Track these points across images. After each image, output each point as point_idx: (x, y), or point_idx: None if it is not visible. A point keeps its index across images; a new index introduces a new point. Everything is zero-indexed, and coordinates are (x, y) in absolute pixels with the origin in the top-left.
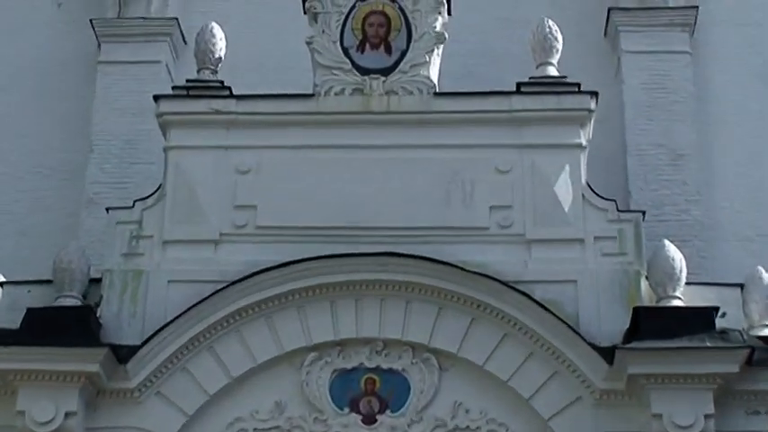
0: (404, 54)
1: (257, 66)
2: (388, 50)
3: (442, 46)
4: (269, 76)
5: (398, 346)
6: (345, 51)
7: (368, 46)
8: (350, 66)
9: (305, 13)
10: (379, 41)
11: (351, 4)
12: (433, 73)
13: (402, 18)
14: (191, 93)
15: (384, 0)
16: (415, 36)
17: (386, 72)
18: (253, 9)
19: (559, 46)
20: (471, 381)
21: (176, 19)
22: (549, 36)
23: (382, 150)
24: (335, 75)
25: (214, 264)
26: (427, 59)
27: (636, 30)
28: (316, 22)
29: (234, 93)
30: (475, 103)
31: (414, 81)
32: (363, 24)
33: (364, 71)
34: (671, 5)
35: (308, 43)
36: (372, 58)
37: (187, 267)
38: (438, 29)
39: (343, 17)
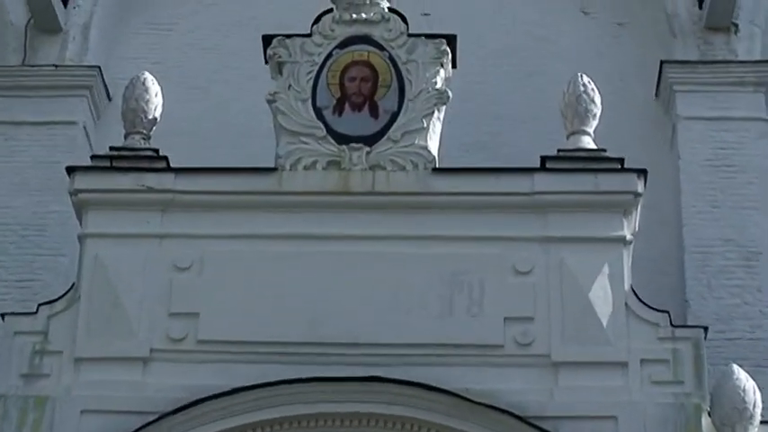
0: (394, 117)
1: (203, 131)
2: (374, 113)
3: (444, 107)
4: (218, 143)
5: None
6: (318, 113)
7: (347, 106)
8: (324, 131)
9: (266, 62)
10: (363, 101)
11: (326, 52)
12: (433, 143)
13: (393, 71)
14: (115, 164)
15: (369, 48)
16: (409, 94)
17: (371, 140)
18: (199, 56)
19: (597, 110)
20: None
21: (98, 68)
22: (584, 96)
23: (364, 243)
24: (305, 143)
25: (142, 389)
26: (425, 125)
27: (696, 89)
28: (280, 74)
29: (172, 165)
30: (486, 183)
31: (407, 153)
32: (342, 78)
33: (342, 139)
34: (741, 58)
35: (270, 102)
36: (353, 123)
37: (106, 393)
38: (439, 85)
39: (317, 68)
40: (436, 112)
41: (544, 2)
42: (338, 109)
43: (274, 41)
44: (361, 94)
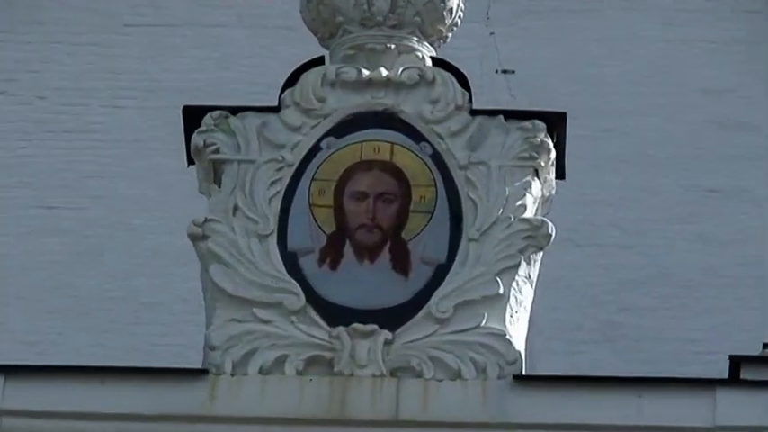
0: (442, 274)
1: (63, 294)
2: (402, 263)
3: (540, 255)
4: (94, 319)
5: None
6: (291, 262)
7: (350, 249)
8: (301, 299)
9: (190, 160)
10: (381, 240)
11: (310, 144)
12: (517, 326)
13: (439, 181)
14: None
15: (393, 135)
16: (470, 229)
17: (394, 319)
18: (51, 146)
19: None
20: None
21: None
22: None
23: None
24: (264, 321)
25: None
26: (501, 290)
27: None
28: (217, 183)
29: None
30: (621, 408)
31: (465, 345)
32: (340, 195)
33: (339, 314)
34: None
35: (195, 238)
36: (361, 282)
37: None
38: (530, 211)
39: (290, 174)
40: (524, 264)
41: (728, 46)
42: (331, 255)
43: (207, 119)
44: (376, 226)
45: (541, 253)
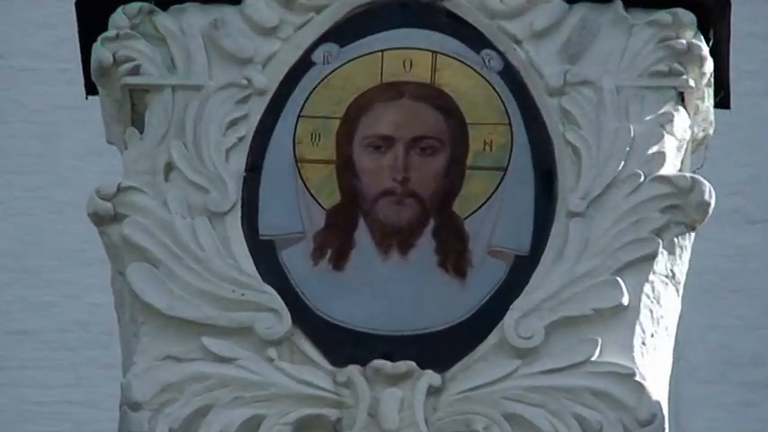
0: (523, 273)
1: None
2: (453, 257)
3: (691, 239)
4: None
5: None
6: (265, 255)
7: (364, 232)
8: (284, 320)
9: (90, 90)
10: (418, 217)
11: (297, 56)
12: (653, 362)
13: (516, 117)
14: None
15: (439, 44)
16: (571, 197)
17: (442, 352)
18: None
19: None
20: None
21: None
22: None
23: None
24: (220, 362)
25: None
26: (625, 299)
27: None
28: (138, 128)
29: None
30: None
31: (567, 392)
32: (348, 140)
33: (347, 345)
34: None
35: (103, 221)
36: (382, 291)
37: None
38: (672, 165)
39: (262, 108)
40: (664, 255)
41: None
42: (335, 245)
43: (118, 17)
44: (409, 193)
45: (693, 235)
